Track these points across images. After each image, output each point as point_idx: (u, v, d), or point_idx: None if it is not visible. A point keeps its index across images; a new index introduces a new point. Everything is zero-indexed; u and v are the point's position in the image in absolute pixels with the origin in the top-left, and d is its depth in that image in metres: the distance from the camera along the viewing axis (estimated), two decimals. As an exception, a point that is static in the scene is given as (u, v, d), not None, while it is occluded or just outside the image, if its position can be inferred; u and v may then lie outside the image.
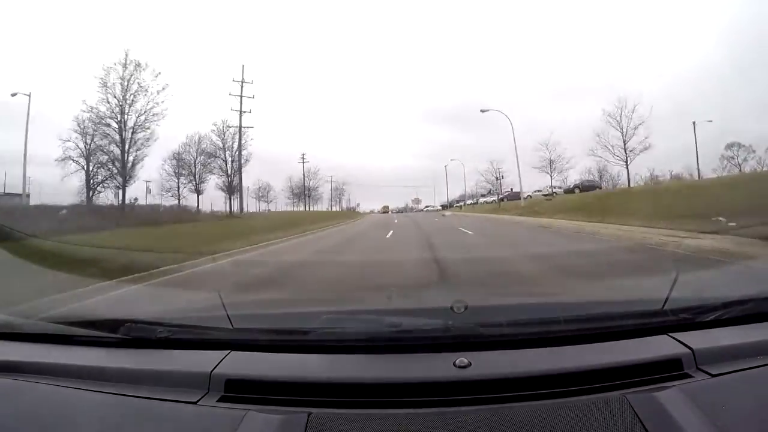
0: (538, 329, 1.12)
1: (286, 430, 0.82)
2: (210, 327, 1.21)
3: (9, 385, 1.03)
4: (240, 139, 30.64)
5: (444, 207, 59.98)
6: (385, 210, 71.77)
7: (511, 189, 38.30)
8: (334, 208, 65.02)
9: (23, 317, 1.49)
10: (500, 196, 40.30)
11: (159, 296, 4.80)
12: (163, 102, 24.09)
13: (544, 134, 49.07)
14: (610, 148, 27.32)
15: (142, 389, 0.97)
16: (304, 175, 53.47)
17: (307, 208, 53.85)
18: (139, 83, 23.59)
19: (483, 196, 51.75)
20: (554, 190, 35.02)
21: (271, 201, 58.18)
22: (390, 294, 2.36)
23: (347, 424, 0.81)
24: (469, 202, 53.92)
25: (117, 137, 23.65)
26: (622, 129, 26.76)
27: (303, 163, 53.64)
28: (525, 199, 31.77)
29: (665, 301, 1.16)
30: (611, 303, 1.51)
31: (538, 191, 39.56)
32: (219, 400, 0.93)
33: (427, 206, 69.33)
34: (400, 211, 71.76)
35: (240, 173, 31.13)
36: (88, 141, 23.94)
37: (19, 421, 0.92)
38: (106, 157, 23.93)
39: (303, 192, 55.14)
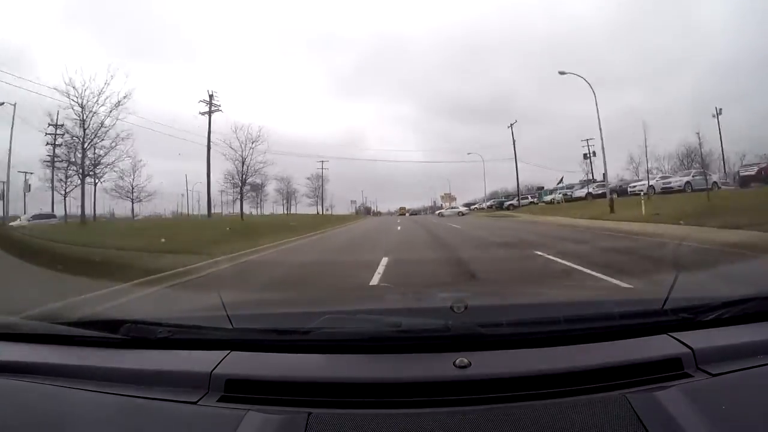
0: (538, 329, 1.12)
1: (286, 430, 0.82)
2: (210, 327, 1.21)
3: (9, 385, 1.03)
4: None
5: (510, 206, 37.93)
6: (402, 212, 66.66)
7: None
8: (337, 211, 52.40)
9: (23, 317, 1.49)
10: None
11: None
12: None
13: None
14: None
15: (142, 389, 0.97)
16: (209, 138, 28.24)
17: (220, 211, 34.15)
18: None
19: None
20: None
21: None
22: (390, 294, 2.37)
23: (347, 424, 0.82)
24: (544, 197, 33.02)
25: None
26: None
27: (209, 112, 28.90)
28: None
29: (665, 301, 1.16)
30: (611, 302, 1.51)
31: (637, 184, 24.61)
32: (219, 400, 0.93)
33: (467, 204, 49.84)
34: (413, 213, 64.10)
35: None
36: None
37: (19, 421, 0.92)
38: None
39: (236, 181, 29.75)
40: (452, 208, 42.77)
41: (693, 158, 32.88)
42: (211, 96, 29.77)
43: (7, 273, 6.66)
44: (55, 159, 24.54)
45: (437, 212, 38.27)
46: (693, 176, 23.65)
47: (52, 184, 26.14)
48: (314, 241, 15.38)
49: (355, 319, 1.23)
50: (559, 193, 32.14)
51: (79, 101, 20.45)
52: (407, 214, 60.80)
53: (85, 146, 21.26)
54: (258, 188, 39.59)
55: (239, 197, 33.62)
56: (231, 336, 1.15)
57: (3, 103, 24.88)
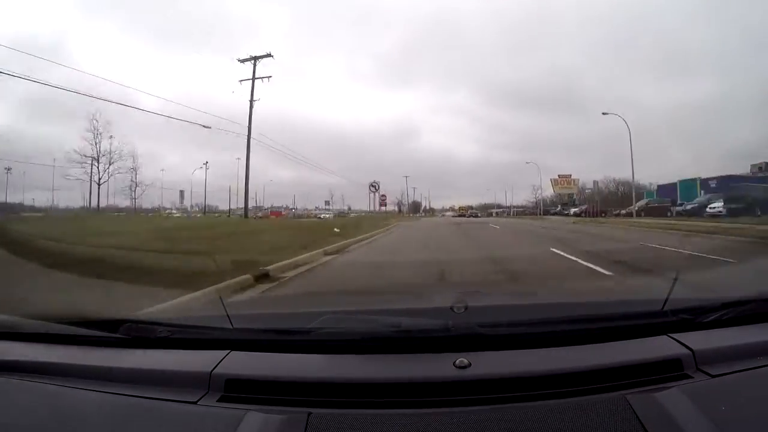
0: (538, 329, 1.12)
1: (286, 430, 0.82)
2: (210, 327, 1.21)
3: (9, 385, 1.03)
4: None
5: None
6: (462, 212, 52.26)
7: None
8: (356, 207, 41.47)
9: (23, 316, 1.49)
10: None
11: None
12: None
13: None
14: None
15: (142, 389, 0.97)
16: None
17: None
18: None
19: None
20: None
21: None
22: (390, 294, 2.37)
23: (347, 424, 0.82)
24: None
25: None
26: None
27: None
28: None
29: (665, 302, 1.16)
30: (611, 303, 1.51)
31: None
32: (219, 400, 0.93)
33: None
34: (473, 215, 45.01)
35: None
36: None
37: (19, 421, 0.92)
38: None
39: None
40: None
41: None
42: None
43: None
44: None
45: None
46: None
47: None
48: None
49: (355, 319, 1.23)
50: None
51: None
52: (466, 215, 43.27)
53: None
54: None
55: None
56: (231, 336, 1.15)
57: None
